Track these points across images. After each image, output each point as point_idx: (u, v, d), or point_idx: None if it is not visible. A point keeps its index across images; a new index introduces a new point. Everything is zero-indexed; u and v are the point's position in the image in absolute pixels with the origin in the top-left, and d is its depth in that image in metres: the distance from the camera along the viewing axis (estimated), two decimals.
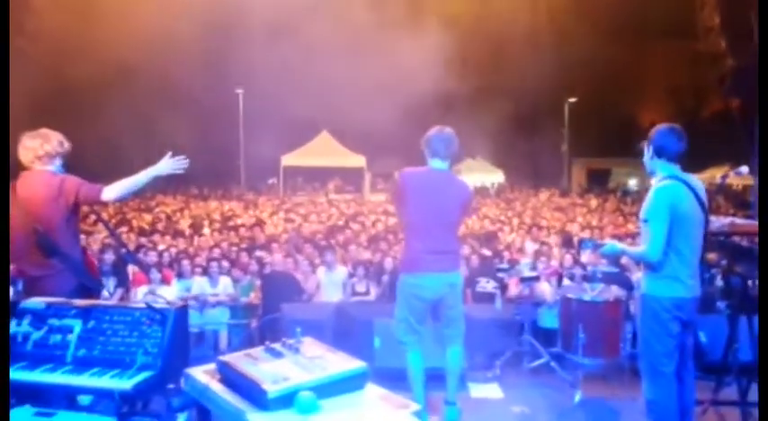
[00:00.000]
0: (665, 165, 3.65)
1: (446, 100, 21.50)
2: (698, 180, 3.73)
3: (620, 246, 3.94)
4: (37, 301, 2.39)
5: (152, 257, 7.55)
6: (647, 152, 3.71)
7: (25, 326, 2.30)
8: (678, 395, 3.62)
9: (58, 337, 2.28)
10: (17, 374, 2.18)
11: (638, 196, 23.37)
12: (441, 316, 4.18)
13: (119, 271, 6.86)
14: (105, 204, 3.75)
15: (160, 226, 12.17)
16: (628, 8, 25.39)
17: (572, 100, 30.79)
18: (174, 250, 8.54)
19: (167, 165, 3.67)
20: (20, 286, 3.94)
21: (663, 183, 3.59)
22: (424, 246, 4.01)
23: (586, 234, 11.03)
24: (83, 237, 8.78)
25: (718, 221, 4.55)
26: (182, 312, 2.31)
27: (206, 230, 11.61)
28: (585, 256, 6.98)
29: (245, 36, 20.05)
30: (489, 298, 6.89)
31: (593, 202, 19.21)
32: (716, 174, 25.27)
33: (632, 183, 31.04)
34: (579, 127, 30.22)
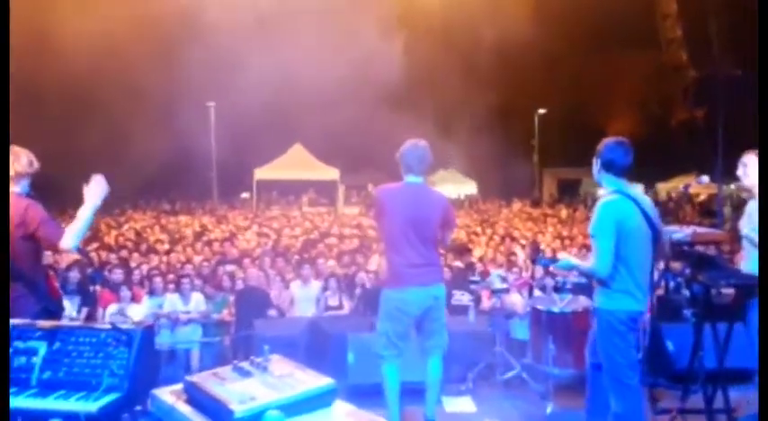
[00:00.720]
0: (611, 179, 3.66)
1: (418, 111, 21.71)
2: (644, 195, 3.79)
3: (573, 261, 3.96)
4: None
5: (117, 275, 7.43)
6: (596, 165, 3.72)
7: None
8: (601, 402, 3.69)
9: (22, 360, 2.25)
10: None
11: None
12: (423, 328, 4.20)
13: (84, 289, 6.74)
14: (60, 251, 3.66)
15: (130, 243, 12.00)
16: (593, 20, 25.96)
17: (541, 111, 31.29)
18: (145, 267, 8.43)
19: (95, 193, 3.53)
20: None
21: (608, 199, 3.60)
22: (405, 261, 4.05)
23: (557, 244, 11.19)
24: (48, 254, 8.66)
25: (681, 231, 4.67)
26: (148, 332, 2.30)
27: (178, 246, 11.48)
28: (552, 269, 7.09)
29: (216, 50, 20.01)
30: (463, 310, 6.93)
31: (564, 213, 19.48)
32: (683, 181, 25.85)
33: (602, 192, 31.54)
34: (549, 138, 30.71)
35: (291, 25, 20.59)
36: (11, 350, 2.26)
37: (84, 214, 3.47)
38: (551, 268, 6.88)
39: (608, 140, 3.70)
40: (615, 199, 3.58)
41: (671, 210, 20.48)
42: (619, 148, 3.64)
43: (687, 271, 4.44)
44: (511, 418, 4.77)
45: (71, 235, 3.42)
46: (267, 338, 5.45)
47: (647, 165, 29.96)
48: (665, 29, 20.76)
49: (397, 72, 20.46)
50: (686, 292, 5.93)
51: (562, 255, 4.34)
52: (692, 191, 20.98)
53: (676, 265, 5.77)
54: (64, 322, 2.96)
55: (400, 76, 20.93)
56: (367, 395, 4.21)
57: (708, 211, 19.16)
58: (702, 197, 22.84)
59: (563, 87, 28.36)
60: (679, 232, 4.49)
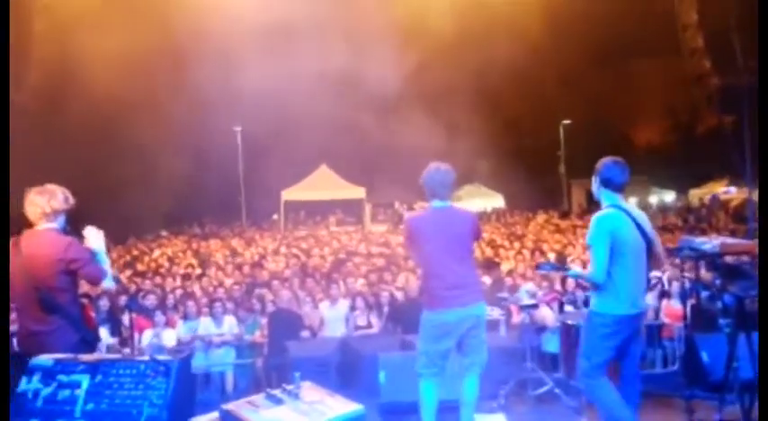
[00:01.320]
0: (609, 195, 4.02)
1: (442, 128, 21.78)
2: (639, 210, 4.16)
3: (578, 271, 4.49)
4: (45, 359, 2.47)
5: (150, 301, 7.62)
6: (595, 183, 4.08)
7: (35, 382, 2.38)
8: (623, 393, 3.99)
9: (66, 393, 2.35)
10: None
11: None
12: (463, 346, 4.23)
13: (113, 318, 6.92)
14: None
15: (162, 269, 12.23)
16: (615, 30, 25.82)
17: (566, 122, 31.13)
18: (178, 292, 8.61)
19: (97, 241, 3.87)
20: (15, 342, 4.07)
21: (603, 212, 3.97)
22: (444, 284, 4.10)
23: (588, 256, 11.06)
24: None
25: (710, 242, 4.64)
26: (185, 362, 2.39)
27: (209, 270, 11.65)
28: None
29: (242, 74, 20.38)
30: (494, 325, 6.92)
31: None
32: (714, 189, 25.41)
33: (632, 201, 31.13)
34: (576, 148, 30.49)
35: (309, 47, 20.89)
36: (55, 383, 2.38)
37: (103, 257, 3.83)
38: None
39: (606, 160, 4.06)
40: (609, 212, 3.95)
41: (703, 217, 20.11)
42: (615, 167, 4.01)
43: (717, 281, 4.41)
44: None
45: (110, 276, 3.79)
46: (299, 360, 5.53)
47: (678, 171, 29.58)
48: (686, 39, 20.57)
49: (419, 89, 20.61)
50: (720, 303, 5.85)
51: (555, 264, 4.62)
52: (723, 197, 20.60)
53: (707, 276, 5.70)
54: (105, 355, 3.07)
55: (422, 93, 21.07)
56: (399, 414, 4.24)
57: (741, 218, 18.78)
58: (736, 202, 22.43)
59: (587, 98, 28.20)
60: (707, 243, 4.47)
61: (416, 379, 4.26)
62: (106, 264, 3.81)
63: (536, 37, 21.79)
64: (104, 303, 6.98)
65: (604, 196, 4.03)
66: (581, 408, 4.98)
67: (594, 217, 3.96)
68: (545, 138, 30.96)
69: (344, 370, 5.90)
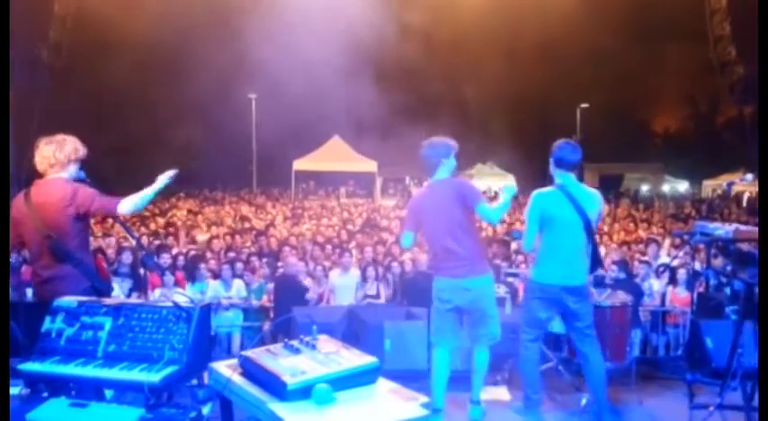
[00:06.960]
0: (560, 174, 4.27)
1: (458, 105, 21.66)
2: (589, 190, 4.36)
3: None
4: (69, 300, 2.54)
5: (165, 260, 7.70)
6: (551, 164, 4.34)
7: (59, 322, 2.45)
8: (584, 369, 4.41)
9: (89, 333, 2.43)
10: (52, 368, 2.33)
11: (651, 202, 23.34)
12: (467, 318, 4.45)
13: (135, 273, 7.01)
14: (118, 217, 3.91)
15: (174, 230, 12.33)
16: (640, 14, 25.41)
17: (584, 105, 30.80)
18: (191, 253, 8.70)
19: (162, 177, 3.88)
20: (30, 292, 4.07)
21: (540, 190, 4.30)
22: (440, 256, 4.29)
23: (596, 239, 11.03)
24: (100, 238, 9.01)
25: (723, 228, 4.66)
26: (205, 311, 2.46)
27: (219, 234, 11.73)
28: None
29: (259, 41, 20.31)
30: (500, 302, 6.97)
31: (605, 208, 19.15)
32: (730, 179, 25.17)
33: (645, 188, 30.91)
34: (591, 132, 30.24)
35: (334, 18, 20.75)
36: (78, 324, 2.45)
37: (147, 189, 3.77)
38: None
39: (559, 141, 4.34)
40: (545, 191, 4.27)
41: (716, 207, 19.99)
42: (567, 147, 4.29)
43: (729, 268, 4.43)
44: (546, 409, 4.81)
45: (128, 201, 3.66)
46: (306, 325, 5.59)
47: (693, 161, 29.30)
48: (713, 25, 20.10)
49: (439, 66, 20.45)
50: (728, 290, 5.88)
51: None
52: (737, 189, 20.46)
53: (717, 262, 5.71)
54: (127, 300, 3.14)
55: (441, 70, 20.91)
56: (402, 380, 4.31)
57: (756, 210, 18.66)
58: (750, 195, 22.25)
59: (607, 81, 27.85)
60: (721, 229, 4.49)
61: (419, 347, 4.70)
62: (142, 196, 3.73)
63: (564, 16, 21.41)
64: (127, 257, 7.08)
65: (557, 175, 4.28)
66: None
67: (532, 194, 4.29)
68: (561, 121, 30.70)
69: (350, 337, 5.97)
